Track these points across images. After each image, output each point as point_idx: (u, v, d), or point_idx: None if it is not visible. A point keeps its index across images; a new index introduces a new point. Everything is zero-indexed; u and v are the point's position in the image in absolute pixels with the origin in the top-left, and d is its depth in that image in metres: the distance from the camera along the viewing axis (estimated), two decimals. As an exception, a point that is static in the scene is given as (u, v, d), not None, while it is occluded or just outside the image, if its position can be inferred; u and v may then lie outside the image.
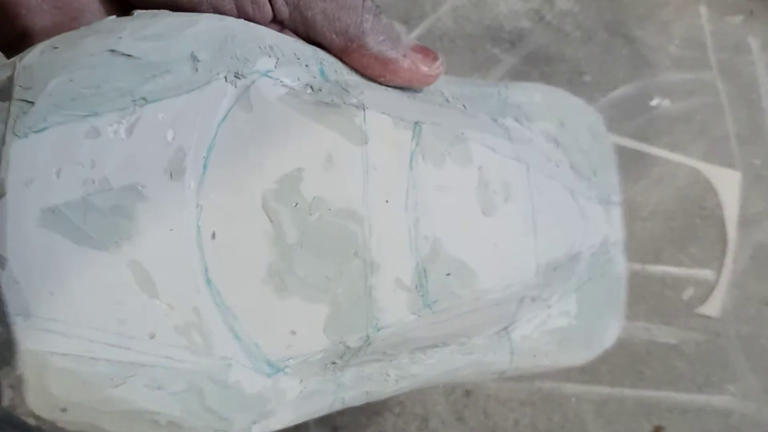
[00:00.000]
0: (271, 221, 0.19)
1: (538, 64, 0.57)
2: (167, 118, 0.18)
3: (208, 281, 0.19)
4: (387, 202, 0.21)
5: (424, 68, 0.23)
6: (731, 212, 0.51)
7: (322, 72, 0.21)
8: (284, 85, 0.20)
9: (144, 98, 0.18)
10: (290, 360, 0.20)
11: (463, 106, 0.25)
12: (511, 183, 0.24)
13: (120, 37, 0.18)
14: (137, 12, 0.19)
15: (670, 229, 0.50)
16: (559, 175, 0.27)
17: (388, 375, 0.23)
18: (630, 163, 0.53)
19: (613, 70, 0.57)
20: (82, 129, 0.18)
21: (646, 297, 0.47)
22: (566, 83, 0.57)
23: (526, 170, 0.25)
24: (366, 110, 0.21)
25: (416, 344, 0.23)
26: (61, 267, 0.17)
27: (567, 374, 0.44)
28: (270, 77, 0.20)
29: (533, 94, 0.28)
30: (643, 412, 0.43)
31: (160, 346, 0.18)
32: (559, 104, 0.29)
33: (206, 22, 0.19)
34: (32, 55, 0.18)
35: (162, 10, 0.20)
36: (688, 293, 0.48)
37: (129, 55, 0.18)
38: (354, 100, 0.21)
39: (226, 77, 0.19)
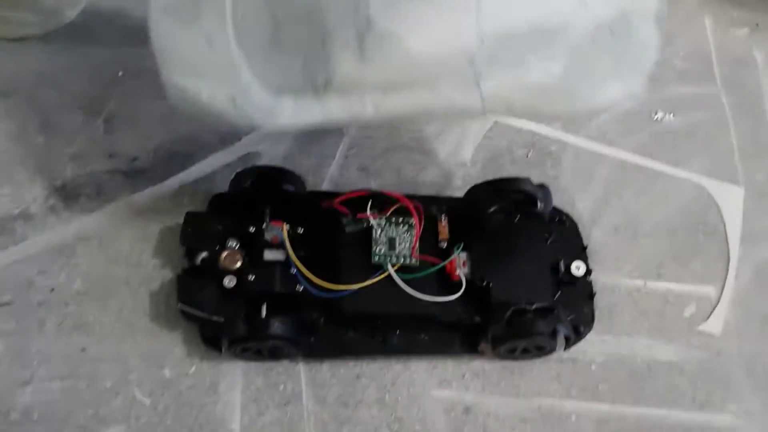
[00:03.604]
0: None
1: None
2: None
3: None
4: None
5: None
6: (734, 228, 0.51)
7: None
8: None
9: None
10: (286, 88, 0.34)
11: None
12: None
13: None
14: None
15: (672, 245, 0.50)
16: None
17: (365, 104, 0.34)
18: (633, 179, 0.53)
19: (617, 84, 0.57)
20: None
21: (647, 314, 0.47)
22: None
23: None
24: None
25: (376, 84, 0.33)
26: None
27: (567, 391, 0.44)
28: None
29: None
30: (644, 430, 0.43)
31: (233, 73, 0.33)
32: None
33: None
34: None
35: None
36: (690, 310, 0.47)
37: None
38: None
39: None
